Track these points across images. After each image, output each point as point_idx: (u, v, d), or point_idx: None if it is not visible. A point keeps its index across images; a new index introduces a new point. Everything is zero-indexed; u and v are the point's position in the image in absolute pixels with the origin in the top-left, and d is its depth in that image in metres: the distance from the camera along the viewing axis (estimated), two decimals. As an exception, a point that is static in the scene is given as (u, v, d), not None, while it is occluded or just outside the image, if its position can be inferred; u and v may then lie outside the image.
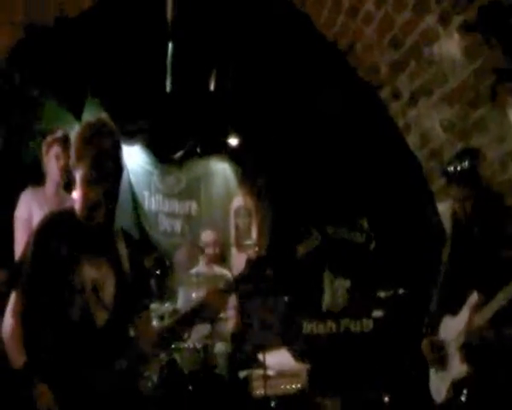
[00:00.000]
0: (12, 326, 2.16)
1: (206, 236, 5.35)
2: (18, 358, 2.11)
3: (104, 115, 2.39)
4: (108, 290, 2.22)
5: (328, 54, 4.63)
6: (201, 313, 2.28)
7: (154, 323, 4.40)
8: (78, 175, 2.21)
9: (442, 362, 2.88)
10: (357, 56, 3.91)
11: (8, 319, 2.19)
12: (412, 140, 3.91)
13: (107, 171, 2.18)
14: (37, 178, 3.90)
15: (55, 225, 2.25)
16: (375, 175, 5.73)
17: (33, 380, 2.07)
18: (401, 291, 5.15)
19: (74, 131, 2.30)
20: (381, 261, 5.48)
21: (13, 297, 2.20)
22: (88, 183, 2.18)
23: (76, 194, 2.26)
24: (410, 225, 5.36)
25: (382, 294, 5.19)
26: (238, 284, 2.31)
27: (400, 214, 5.50)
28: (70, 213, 2.27)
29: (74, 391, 2.08)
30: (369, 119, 5.23)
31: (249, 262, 2.33)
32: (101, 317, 2.19)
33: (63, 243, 2.18)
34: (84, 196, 2.20)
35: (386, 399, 4.59)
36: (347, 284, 5.41)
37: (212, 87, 5.69)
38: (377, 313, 5.04)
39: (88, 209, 2.20)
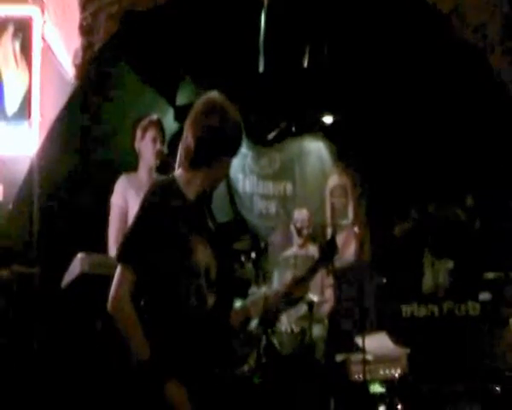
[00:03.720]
0: (123, 302, 1.93)
1: (300, 214, 5.24)
2: (142, 347, 1.91)
3: (217, 94, 2.18)
4: (213, 273, 2.12)
5: (427, 20, 4.34)
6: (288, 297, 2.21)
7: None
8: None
9: None
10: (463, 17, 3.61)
11: (116, 293, 1.95)
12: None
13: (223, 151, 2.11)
14: (130, 164, 3.96)
15: (166, 198, 2.05)
16: (480, 148, 5.36)
17: (162, 375, 1.88)
18: (512, 273, 4.80)
19: (195, 109, 2.12)
20: (488, 240, 5.14)
21: (120, 270, 1.98)
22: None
23: (184, 173, 2.14)
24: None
25: (491, 275, 4.86)
26: (312, 271, 2.23)
27: (509, 190, 5.13)
28: (177, 187, 2.10)
29: (201, 383, 1.97)
30: (475, 86, 4.89)
31: (320, 247, 2.30)
32: (210, 302, 2.08)
33: (176, 217, 2.02)
34: (200, 177, 2.11)
35: (498, 389, 4.29)
36: (450, 264, 5.13)
37: (305, 64, 5.56)
38: (484, 296, 4.73)
39: (201, 190, 2.12)
